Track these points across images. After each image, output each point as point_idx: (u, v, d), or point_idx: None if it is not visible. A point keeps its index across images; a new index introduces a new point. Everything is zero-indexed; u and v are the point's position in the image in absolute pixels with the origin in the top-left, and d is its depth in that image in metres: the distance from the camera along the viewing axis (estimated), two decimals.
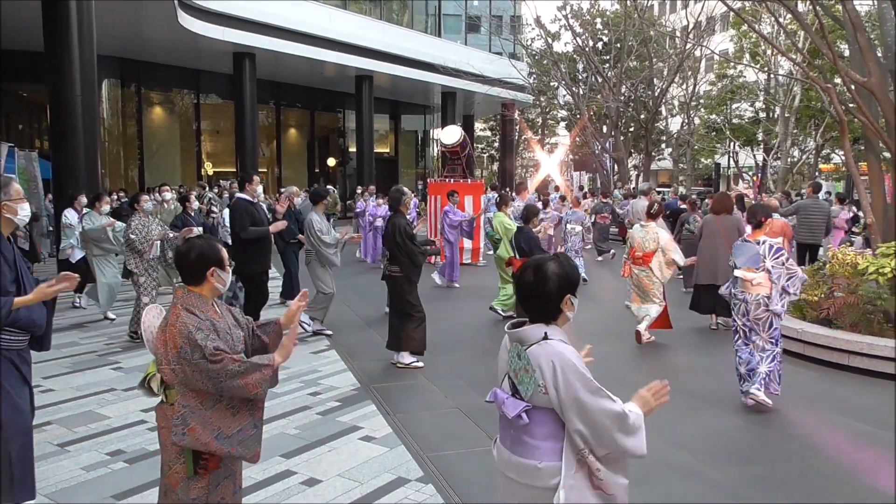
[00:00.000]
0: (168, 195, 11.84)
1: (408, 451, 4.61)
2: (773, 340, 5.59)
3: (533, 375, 2.28)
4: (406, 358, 6.80)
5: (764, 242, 5.57)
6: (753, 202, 11.16)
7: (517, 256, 7.12)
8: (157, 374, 2.74)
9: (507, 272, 8.69)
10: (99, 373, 6.39)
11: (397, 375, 6.55)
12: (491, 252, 16.29)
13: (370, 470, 4.29)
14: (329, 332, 8.05)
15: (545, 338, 2.31)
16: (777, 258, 5.48)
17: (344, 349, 7.43)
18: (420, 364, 6.79)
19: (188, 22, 18.25)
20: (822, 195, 12.17)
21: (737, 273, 5.64)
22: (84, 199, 9.38)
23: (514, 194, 14.94)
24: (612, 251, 15.32)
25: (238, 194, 7.70)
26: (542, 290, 2.34)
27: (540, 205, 14.58)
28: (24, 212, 3.55)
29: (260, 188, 8.09)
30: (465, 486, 4.08)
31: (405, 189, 7.31)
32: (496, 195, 18.32)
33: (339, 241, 8.12)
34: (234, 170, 22.87)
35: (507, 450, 2.41)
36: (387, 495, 3.94)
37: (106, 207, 8.83)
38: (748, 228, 6.14)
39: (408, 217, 7.34)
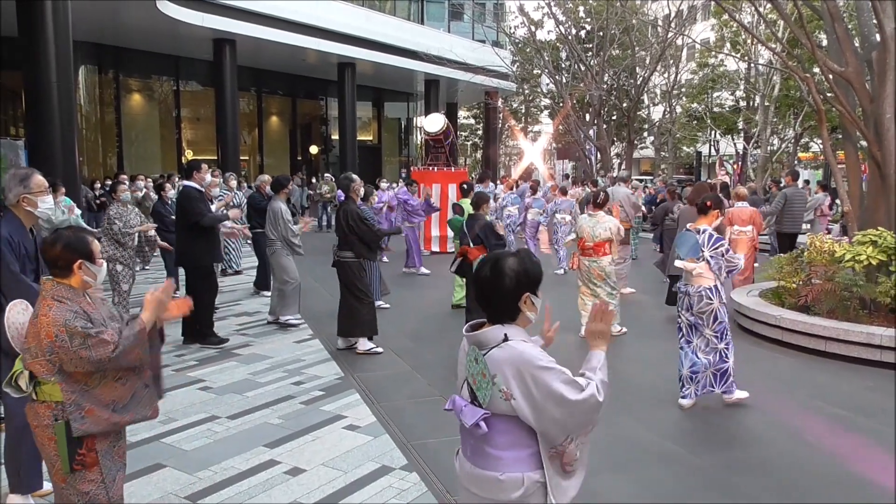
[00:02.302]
0: (141, 184, 11.68)
1: (392, 439, 4.63)
2: (717, 335, 5.29)
3: (492, 381, 2.13)
4: (364, 344, 6.86)
5: (704, 231, 5.29)
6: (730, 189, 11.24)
7: (470, 244, 7.05)
8: (25, 371, 2.64)
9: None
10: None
11: (381, 364, 6.56)
12: None
13: (354, 459, 4.31)
14: (296, 323, 8.01)
15: (505, 339, 2.15)
16: (716, 248, 5.20)
17: (327, 338, 7.41)
18: (379, 350, 6.85)
19: (167, 7, 17.98)
20: (800, 183, 12.27)
21: (677, 263, 5.38)
22: (63, 190, 9.04)
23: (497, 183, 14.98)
24: None
25: (185, 182, 7.35)
26: (499, 287, 2.18)
27: (529, 191, 14.65)
28: (45, 204, 3.53)
29: (209, 177, 7.86)
30: (449, 474, 4.09)
31: (353, 176, 7.38)
32: (479, 186, 18.41)
33: (300, 232, 8.04)
34: (216, 157, 22.64)
35: (469, 461, 2.27)
36: (371, 484, 3.96)
37: (61, 199, 8.47)
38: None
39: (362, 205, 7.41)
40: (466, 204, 9.17)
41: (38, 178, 3.49)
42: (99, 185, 16.83)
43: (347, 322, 6.90)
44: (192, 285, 7.18)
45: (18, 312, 2.80)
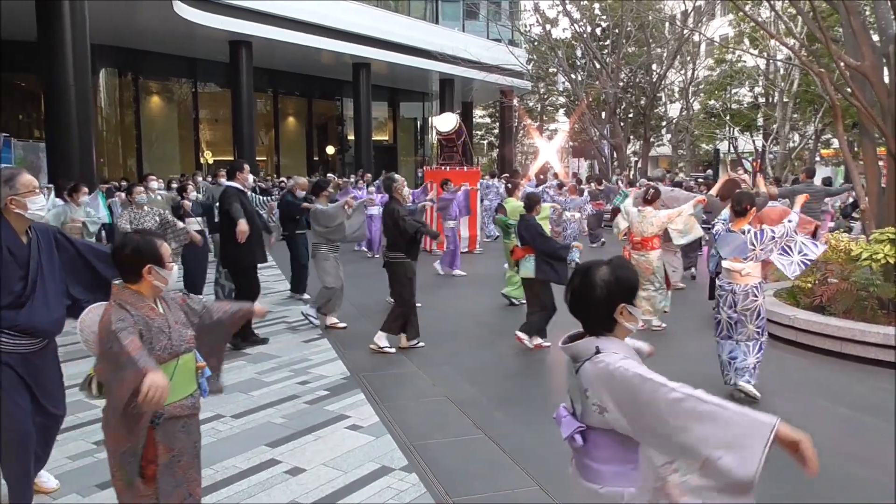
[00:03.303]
0: (154, 184, 11.66)
1: (393, 440, 4.61)
2: (759, 330, 5.50)
3: (584, 395, 2.09)
4: (382, 340, 6.86)
5: (749, 231, 5.43)
6: (749, 189, 11.11)
7: (520, 245, 7.09)
8: (97, 376, 2.66)
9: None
10: (91, 362, 6.38)
11: (388, 364, 6.55)
12: (488, 239, 16.43)
13: (355, 459, 4.30)
14: (343, 325, 7.91)
15: (597, 352, 2.09)
16: (772, 240, 5.38)
17: (336, 338, 7.43)
18: (392, 350, 6.85)
19: (183, 10, 18.15)
20: (817, 180, 12.14)
21: (724, 264, 5.53)
22: (86, 190, 8.89)
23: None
24: (603, 240, 15.34)
25: (227, 182, 7.50)
26: (590, 299, 2.11)
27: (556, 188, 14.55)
28: (35, 205, 3.32)
29: (251, 178, 7.94)
30: (449, 475, 4.09)
31: (395, 176, 7.33)
32: (494, 182, 18.38)
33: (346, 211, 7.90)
34: (233, 158, 22.82)
35: (576, 471, 2.24)
36: (369, 484, 3.95)
37: (84, 198, 8.46)
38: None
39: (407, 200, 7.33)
40: (511, 204, 9.15)
41: (26, 178, 3.32)
42: (115, 186, 16.94)
43: (389, 318, 6.96)
44: (236, 285, 7.34)
45: (95, 315, 2.75)
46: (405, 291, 6.86)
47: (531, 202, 7.29)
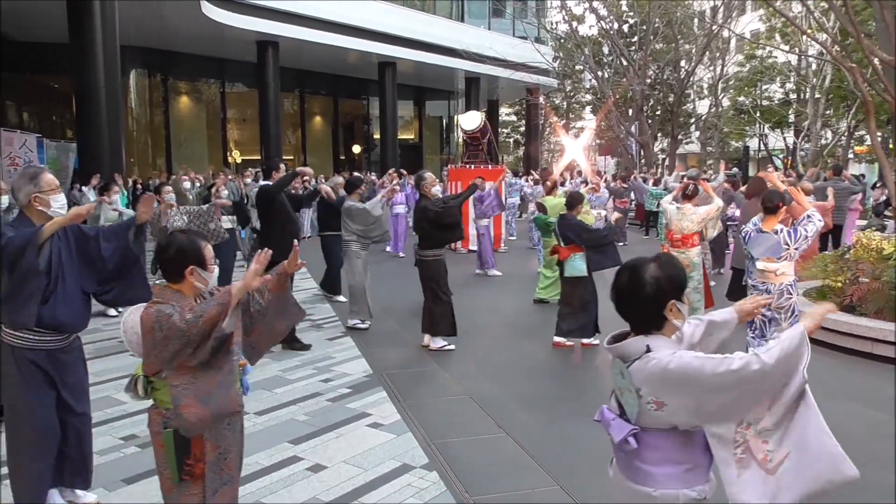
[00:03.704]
0: (187, 184, 11.74)
1: (415, 438, 4.63)
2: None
3: (638, 394, 2.04)
4: (437, 342, 6.90)
5: (781, 230, 5.44)
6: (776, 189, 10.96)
7: (562, 244, 7.04)
8: (143, 376, 2.65)
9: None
10: (119, 359, 6.50)
11: (410, 362, 6.58)
12: (513, 237, 16.38)
13: (375, 457, 4.32)
14: (365, 326, 7.86)
15: (647, 351, 2.05)
16: (800, 240, 5.37)
17: (359, 336, 7.47)
18: (451, 346, 6.89)
19: (212, 11, 18.39)
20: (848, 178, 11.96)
21: (758, 265, 5.51)
22: (117, 189, 9.00)
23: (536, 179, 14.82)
24: (623, 242, 15.13)
25: (263, 182, 7.48)
26: (639, 297, 2.07)
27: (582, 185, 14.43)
28: (57, 203, 3.44)
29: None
30: (469, 474, 4.09)
31: (425, 174, 7.31)
32: (518, 180, 18.30)
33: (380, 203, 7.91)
34: (259, 157, 23.06)
35: (621, 473, 2.19)
36: (390, 482, 3.96)
37: (116, 197, 8.54)
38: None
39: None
40: (550, 202, 9.09)
41: (49, 177, 3.42)
42: (139, 184, 17.18)
43: (427, 320, 6.97)
44: None
45: (138, 316, 2.73)
46: (439, 288, 6.89)
47: (574, 201, 7.23)
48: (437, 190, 7.27)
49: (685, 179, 9.35)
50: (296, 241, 3.15)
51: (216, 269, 2.75)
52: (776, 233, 5.45)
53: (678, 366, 1.99)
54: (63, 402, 3.50)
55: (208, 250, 2.68)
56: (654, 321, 2.10)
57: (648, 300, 2.07)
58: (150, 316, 2.50)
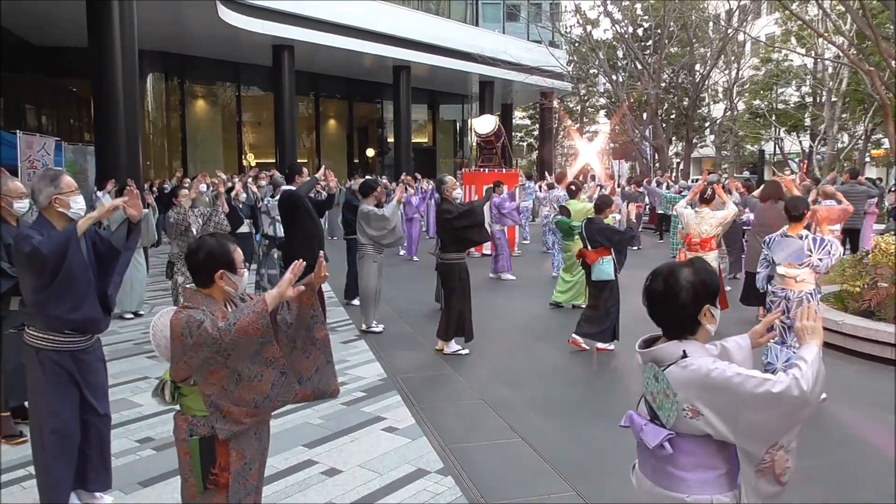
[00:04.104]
0: (203, 187, 11.67)
1: (429, 442, 4.62)
2: None
3: (675, 400, 2.02)
4: (451, 346, 6.92)
5: (807, 237, 5.40)
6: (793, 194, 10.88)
7: (589, 248, 7.05)
8: (170, 381, 2.63)
9: (576, 262, 8.70)
10: (134, 361, 6.56)
11: (424, 366, 6.58)
12: (527, 241, 16.36)
13: (390, 461, 4.32)
14: (379, 329, 7.84)
15: (684, 356, 2.04)
16: (824, 249, 5.32)
17: (373, 340, 7.48)
18: (465, 351, 6.90)
19: (228, 16, 18.54)
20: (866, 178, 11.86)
21: (779, 270, 5.45)
22: (137, 192, 9.13)
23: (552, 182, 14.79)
24: (637, 246, 15.04)
25: (285, 187, 7.42)
26: (675, 301, 2.06)
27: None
28: (77, 205, 3.48)
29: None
30: (484, 479, 4.08)
31: (447, 178, 7.32)
32: (531, 184, 18.28)
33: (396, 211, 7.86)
34: (275, 161, 23.19)
35: (649, 479, 2.16)
36: (405, 487, 3.96)
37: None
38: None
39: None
40: (574, 205, 9.11)
41: (68, 179, 3.47)
42: (155, 187, 17.29)
43: (443, 323, 6.99)
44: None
45: (168, 321, 2.70)
46: (458, 292, 6.91)
47: (603, 204, 7.25)
48: (458, 193, 7.25)
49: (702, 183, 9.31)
50: (322, 251, 3.10)
51: (246, 273, 2.70)
52: (801, 238, 5.39)
53: (719, 378, 1.97)
54: (86, 403, 3.54)
55: (238, 253, 2.64)
56: (688, 326, 2.10)
57: (684, 305, 2.07)
58: (179, 321, 2.45)
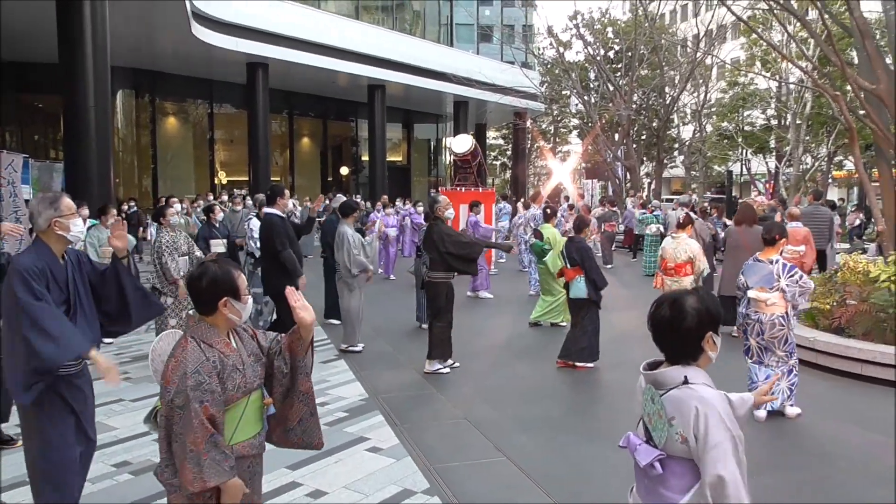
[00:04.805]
0: (178, 206, 11.58)
1: (414, 462, 4.60)
2: (788, 353, 5.61)
3: (668, 422, 2.09)
4: (432, 365, 6.90)
5: (777, 262, 5.55)
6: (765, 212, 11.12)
7: (568, 266, 7.19)
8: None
9: (553, 283, 8.85)
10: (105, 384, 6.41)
11: (405, 385, 6.55)
12: (503, 260, 16.43)
13: (376, 482, 4.28)
14: (358, 349, 7.79)
15: (685, 382, 2.10)
16: (791, 276, 5.47)
17: (353, 359, 7.43)
18: (446, 370, 6.89)
19: (202, 33, 18.45)
20: (827, 200, 12.17)
21: (750, 294, 5.60)
22: (114, 212, 8.84)
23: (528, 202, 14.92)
24: (609, 264, 15.26)
25: (267, 209, 7.11)
26: (680, 328, 2.12)
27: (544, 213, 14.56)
28: (76, 227, 3.41)
29: (290, 203, 7.68)
30: (472, 499, 4.07)
31: (439, 197, 7.37)
32: (506, 204, 18.44)
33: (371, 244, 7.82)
34: (247, 179, 23.03)
35: (643, 501, 2.23)
36: None
37: (112, 220, 8.18)
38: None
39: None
40: (548, 229, 9.31)
41: (68, 201, 3.40)
42: (126, 207, 17.02)
43: (433, 344, 6.98)
44: (282, 313, 6.95)
45: (168, 344, 2.65)
46: (444, 310, 6.91)
47: (581, 224, 7.47)
48: (450, 213, 7.26)
49: (677, 204, 9.50)
50: (298, 288, 2.93)
51: (250, 300, 2.62)
52: (771, 263, 5.54)
53: (703, 423, 2.03)
54: (82, 431, 3.46)
55: (241, 280, 2.56)
56: (691, 352, 2.15)
57: (690, 331, 2.12)
58: (180, 366, 2.38)
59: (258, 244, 8.61)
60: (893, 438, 5.12)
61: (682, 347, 2.16)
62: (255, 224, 8.27)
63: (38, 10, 13.64)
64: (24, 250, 3.55)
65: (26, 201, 10.99)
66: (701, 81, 27.22)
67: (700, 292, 2.21)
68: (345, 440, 5.00)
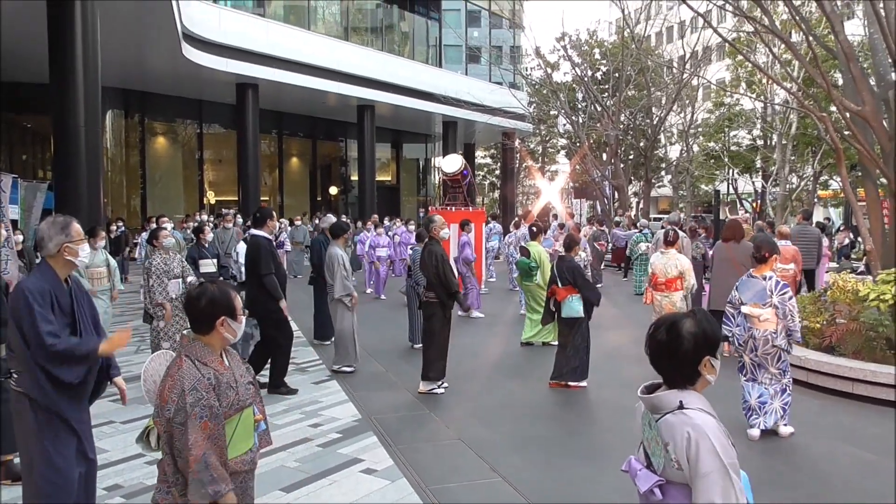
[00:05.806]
0: (169, 226, 11.56)
1: (409, 483, 4.57)
2: (781, 371, 5.64)
3: (664, 448, 2.07)
4: (427, 385, 6.88)
5: (770, 278, 5.61)
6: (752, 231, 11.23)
7: (559, 285, 7.18)
8: (156, 428, 2.55)
9: (540, 301, 8.80)
10: (97, 405, 6.26)
11: (399, 406, 6.52)
12: (493, 279, 16.45)
13: (372, 503, 4.25)
14: (350, 370, 7.75)
15: (680, 407, 2.07)
16: (783, 294, 5.53)
17: (345, 380, 7.39)
18: (440, 391, 6.86)
19: (192, 54, 18.51)
20: (815, 221, 12.29)
21: (743, 310, 5.65)
22: (104, 234, 8.78)
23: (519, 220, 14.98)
24: (600, 283, 15.29)
25: (255, 231, 7.05)
26: (677, 351, 2.09)
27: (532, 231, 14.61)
28: (84, 252, 3.44)
29: (277, 224, 7.68)
30: None
31: (435, 217, 7.35)
32: (496, 224, 18.50)
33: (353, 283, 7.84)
34: (236, 198, 23.00)
35: None
36: None
37: (102, 242, 8.29)
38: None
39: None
40: (534, 247, 9.32)
41: (77, 227, 3.41)
42: (115, 227, 16.90)
43: (427, 365, 6.95)
44: (266, 334, 6.87)
45: (159, 364, 2.67)
46: (440, 332, 6.90)
47: (572, 243, 7.47)
48: (444, 233, 7.27)
49: (666, 223, 9.57)
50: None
51: (244, 319, 2.68)
52: (765, 279, 5.61)
53: (702, 444, 2.00)
54: (83, 452, 3.43)
55: (238, 300, 2.63)
56: (688, 376, 2.12)
57: (687, 355, 2.10)
58: (177, 384, 2.42)
59: (243, 269, 8.60)
60: (889, 457, 5.15)
61: (678, 371, 2.12)
62: (242, 248, 8.23)
63: (28, 30, 13.66)
64: (31, 274, 3.54)
65: (13, 221, 10.96)
66: (687, 102, 27.59)
67: (698, 315, 2.16)
68: (339, 461, 4.97)
